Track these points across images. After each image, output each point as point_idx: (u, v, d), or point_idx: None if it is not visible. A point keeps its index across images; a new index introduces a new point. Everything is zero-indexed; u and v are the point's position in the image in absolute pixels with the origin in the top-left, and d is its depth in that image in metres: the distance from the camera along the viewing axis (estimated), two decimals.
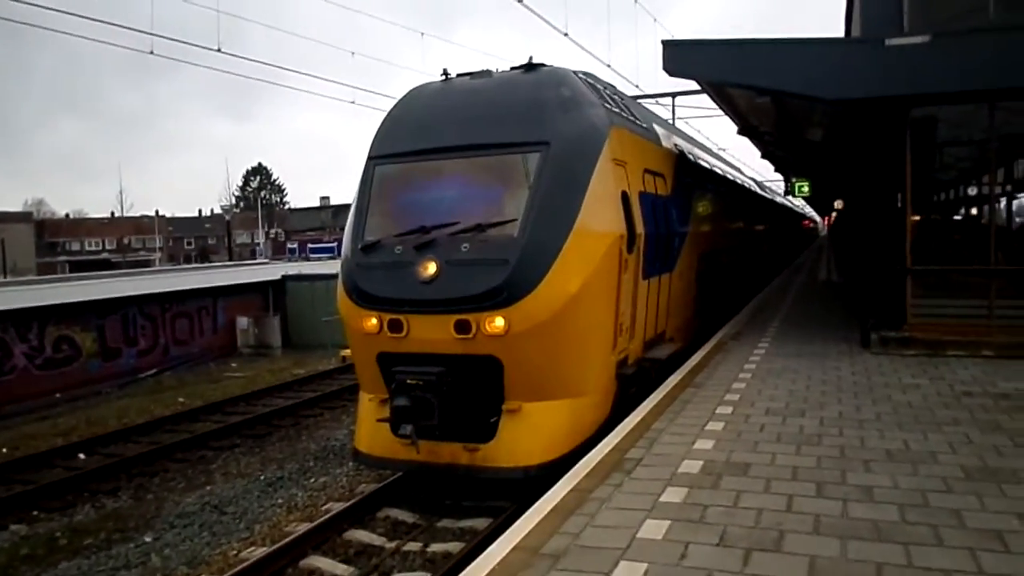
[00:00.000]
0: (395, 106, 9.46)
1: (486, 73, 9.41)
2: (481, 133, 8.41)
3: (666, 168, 11.33)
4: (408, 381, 7.74)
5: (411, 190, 8.71)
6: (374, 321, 8.09)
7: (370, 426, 8.46)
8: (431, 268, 7.82)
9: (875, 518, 5.01)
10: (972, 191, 17.12)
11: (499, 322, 7.55)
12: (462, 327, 7.66)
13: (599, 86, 9.76)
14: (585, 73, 9.69)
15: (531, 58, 9.29)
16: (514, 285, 7.55)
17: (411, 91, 9.60)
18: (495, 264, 7.66)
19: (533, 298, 7.55)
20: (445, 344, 7.77)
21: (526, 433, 7.82)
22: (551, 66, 9.27)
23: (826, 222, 54.94)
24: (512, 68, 9.41)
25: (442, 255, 7.86)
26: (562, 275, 7.68)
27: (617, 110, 9.62)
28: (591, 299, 8.07)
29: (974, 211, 17.22)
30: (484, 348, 7.70)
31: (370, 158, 9.04)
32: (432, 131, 8.70)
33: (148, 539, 9.15)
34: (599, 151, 8.40)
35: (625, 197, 8.85)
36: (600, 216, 8.23)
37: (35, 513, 10.26)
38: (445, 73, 9.61)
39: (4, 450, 13.67)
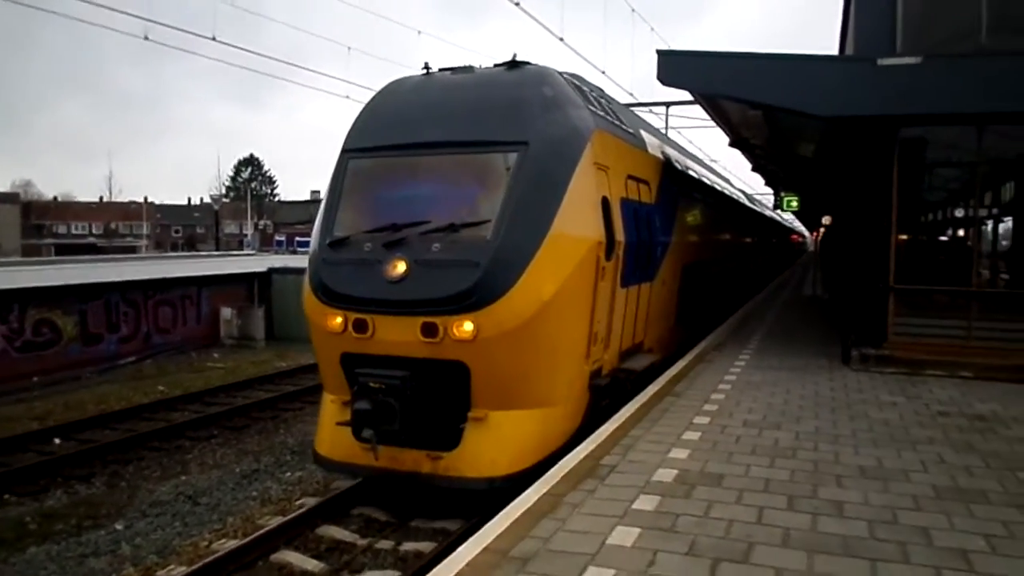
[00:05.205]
0: (372, 99, 9.19)
1: (468, 69, 9.16)
2: (458, 130, 8.15)
3: (651, 175, 11.16)
4: (370, 384, 7.47)
5: (384, 186, 8.46)
6: (339, 320, 7.81)
7: (331, 428, 8.18)
8: (400, 267, 7.56)
9: (844, 533, 5.05)
10: (959, 213, 17.27)
11: (467, 326, 7.28)
12: (429, 330, 7.39)
13: (585, 88, 9.54)
14: (571, 74, 9.47)
15: (515, 55, 9.03)
16: (484, 288, 7.29)
17: (390, 84, 9.33)
18: (466, 266, 7.39)
19: (504, 303, 7.30)
20: (411, 347, 7.51)
21: (492, 443, 7.55)
22: (535, 64, 9.01)
23: (814, 237, 55.30)
24: (496, 65, 9.13)
25: (412, 254, 7.60)
26: (535, 280, 7.42)
27: (602, 113, 9.41)
28: (565, 306, 7.83)
29: (960, 232, 17.36)
30: (451, 353, 7.43)
31: (344, 151, 8.75)
32: (409, 126, 8.42)
33: (119, 527, 9.08)
34: (580, 154, 8.17)
35: (606, 203, 8.64)
36: (578, 221, 8.00)
37: (6, 497, 10.14)
38: (426, 67, 9.35)
39: None
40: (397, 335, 7.56)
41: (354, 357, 7.88)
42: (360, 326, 7.70)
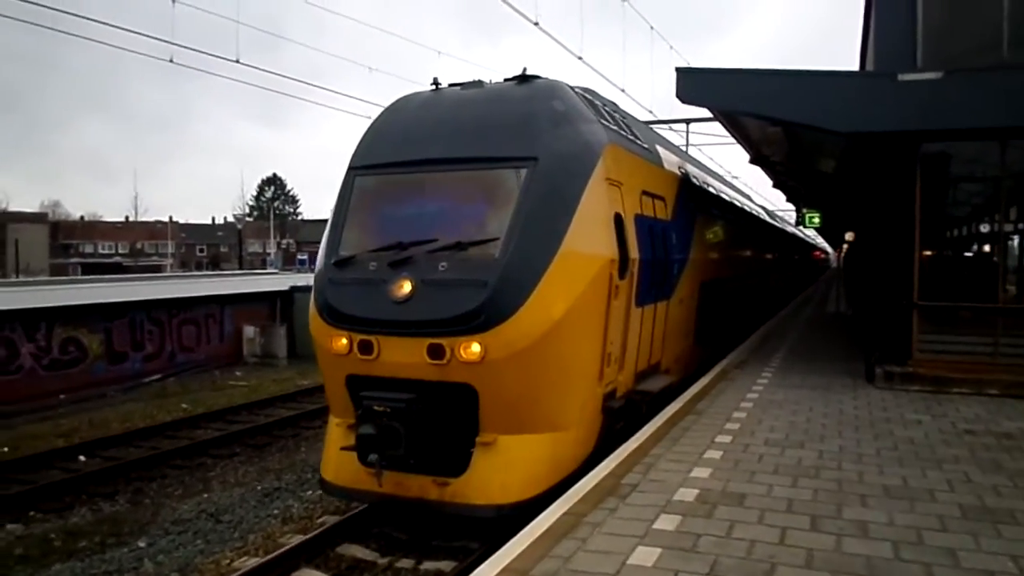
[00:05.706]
0: (380, 115, 9.03)
1: (477, 84, 8.99)
2: (466, 146, 7.96)
3: (667, 191, 10.93)
4: (375, 407, 7.26)
5: (390, 204, 8.30)
6: (344, 341, 7.63)
7: (337, 453, 7.99)
8: (406, 287, 7.36)
9: (868, 554, 4.98)
10: (984, 228, 17.06)
11: (475, 348, 7.06)
12: (435, 352, 7.18)
13: (597, 102, 9.38)
14: (583, 88, 9.33)
15: (525, 69, 8.83)
16: (492, 309, 7.06)
17: (397, 100, 9.15)
18: (473, 285, 7.17)
19: (513, 323, 7.07)
20: (417, 369, 7.30)
21: (501, 468, 7.28)
22: (545, 78, 8.80)
23: (837, 253, 54.85)
24: (505, 80, 8.95)
25: (418, 274, 7.42)
26: (545, 300, 7.19)
27: (615, 127, 9.22)
28: (576, 326, 7.59)
29: (986, 248, 17.14)
30: (458, 375, 7.21)
31: (350, 168, 8.60)
32: (416, 143, 8.25)
33: (142, 544, 9.15)
34: (591, 169, 7.97)
35: (619, 219, 8.43)
36: (589, 238, 7.79)
37: (32, 513, 10.27)
38: (435, 82, 9.16)
39: (5, 449, 13.70)
40: (403, 357, 7.39)
41: (360, 379, 7.71)
42: (365, 347, 7.54)
